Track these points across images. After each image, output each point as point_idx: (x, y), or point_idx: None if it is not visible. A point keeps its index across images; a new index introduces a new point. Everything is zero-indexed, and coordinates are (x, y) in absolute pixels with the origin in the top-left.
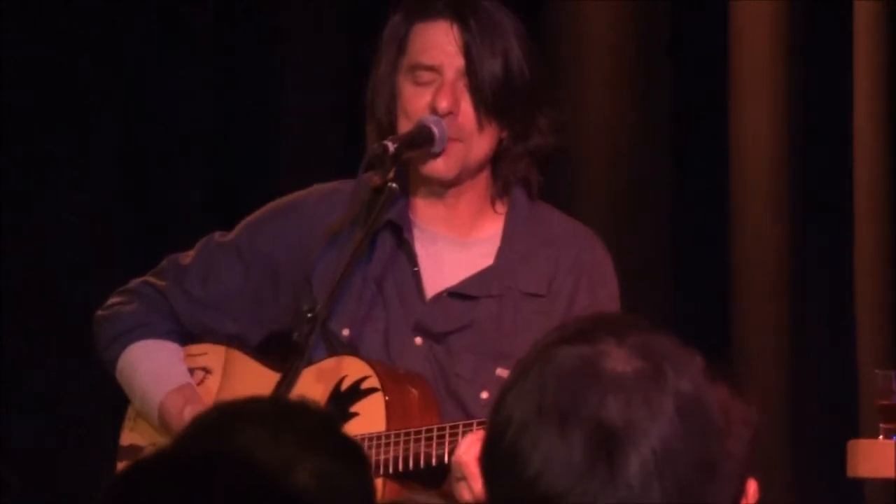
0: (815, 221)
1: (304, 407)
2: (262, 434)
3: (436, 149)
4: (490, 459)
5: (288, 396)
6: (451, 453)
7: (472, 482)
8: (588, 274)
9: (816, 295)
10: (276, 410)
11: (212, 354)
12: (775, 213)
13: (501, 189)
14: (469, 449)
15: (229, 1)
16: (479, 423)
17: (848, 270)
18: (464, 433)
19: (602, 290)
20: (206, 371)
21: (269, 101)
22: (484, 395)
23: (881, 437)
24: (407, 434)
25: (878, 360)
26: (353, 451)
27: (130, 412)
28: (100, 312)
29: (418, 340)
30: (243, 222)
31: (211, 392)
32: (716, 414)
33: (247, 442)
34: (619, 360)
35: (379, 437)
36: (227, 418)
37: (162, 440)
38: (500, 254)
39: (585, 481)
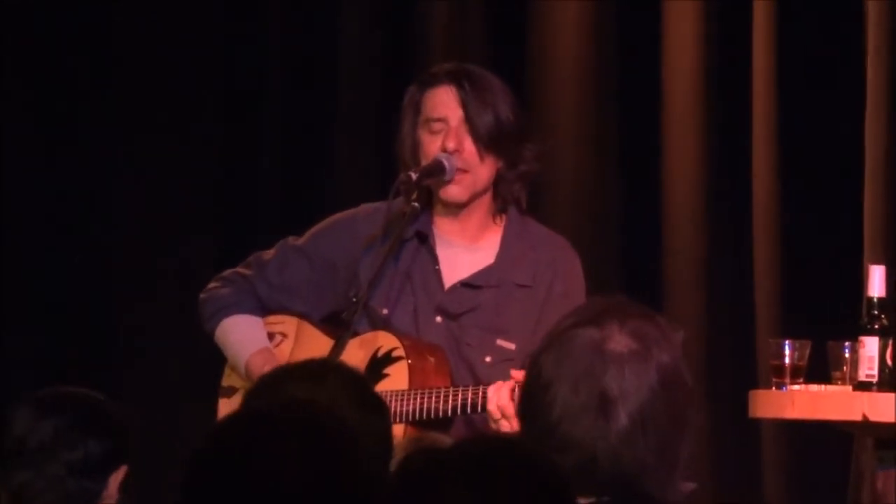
0: (721, 231)
1: (338, 366)
2: (306, 385)
3: (447, 177)
4: (525, 407)
5: (336, 359)
6: (453, 409)
7: (512, 421)
8: (562, 269)
9: (724, 286)
10: (317, 367)
11: (287, 323)
12: (695, 229)
13: (500, 207)
14: (499, 398)
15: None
16: (474, 389)
17: (748, 269)
18: (463, 394)
19: (571, 279)
20: (283, 335)
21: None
22: (487, 359)
23: (773, 388)
24: (423, 392)
25: (770, 331)
26: (373, 397)
27: (227, 365)
28: (202, 295)
29: (439, 319)
30: (311, 231)
31: (285, 352)
32: (688, 380)
33: (294, 392)
34: (619, 342)
35: (403, 394)
36: (279, 378)
37: (247, 384)
38: (499, 256)
39: (590, 430)
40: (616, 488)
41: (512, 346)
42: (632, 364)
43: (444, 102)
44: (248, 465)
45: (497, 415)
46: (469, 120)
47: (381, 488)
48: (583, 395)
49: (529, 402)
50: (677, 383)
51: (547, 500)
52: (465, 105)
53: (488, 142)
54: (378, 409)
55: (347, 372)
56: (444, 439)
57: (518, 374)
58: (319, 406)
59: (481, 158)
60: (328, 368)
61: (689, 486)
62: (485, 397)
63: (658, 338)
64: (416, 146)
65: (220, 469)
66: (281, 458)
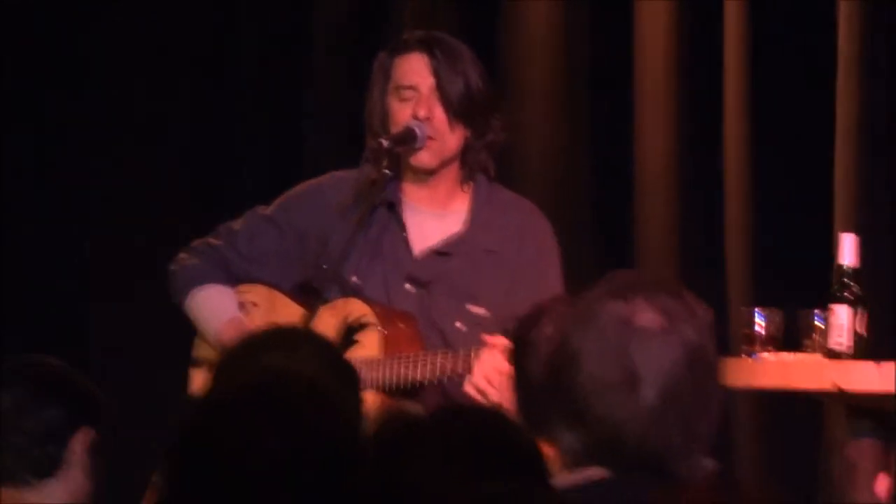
0: (692, 200)
1: (311, 334)
2: (280, 354)
3: (418, 145)
4: (548, 380)
5: (308, 326)
6: (422, 375)
7: (503, 391)
8: (532, 234)
9: (695, 255)
10: (290, 336)
11: (258, 292)
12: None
13: (467, 175)
14: (487, 368)
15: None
16: (443, 352)
17: (719, 238)
18: (432, 359)
19: (541, 242)
20: (254, 304)
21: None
22: (458, 324)
23: (744, 356)
24: (394, 359)
25: (741, 300)
26: (346, 367)
27: (198, 337)
28: (171, 266)
29: (408, 287)
30: (279, 200)
31: (256, 321)
32: (714, 358)
33: (268, 361)
34: (646, 317)
35: (374, 361)
36: (251, 347)
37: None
38: (467, 222)
39: (616, 406)
40: (638, 463)
41: (482, 312)
42: (659, 340)
43: (415, 70)
44: (236, 448)
45: (484, 386)
46: (440, 88)
47: (356, 457)
48: (609, 370)
49: (553, 375)
50: (703, 360)
51: (521, 469)
52: (436, 73)
53: (458, 110)
54: (349, 378)
55: (320, 341)
56: (417, 409)
57: (492, 340)
58: (307, 381)
59: (451, 127)
60: (301, 338)
61: (710, 462)
62: (454, 360)
63: (685, 314)
64: (385, 113)
65: (207, 453)
66: (272, 439)
